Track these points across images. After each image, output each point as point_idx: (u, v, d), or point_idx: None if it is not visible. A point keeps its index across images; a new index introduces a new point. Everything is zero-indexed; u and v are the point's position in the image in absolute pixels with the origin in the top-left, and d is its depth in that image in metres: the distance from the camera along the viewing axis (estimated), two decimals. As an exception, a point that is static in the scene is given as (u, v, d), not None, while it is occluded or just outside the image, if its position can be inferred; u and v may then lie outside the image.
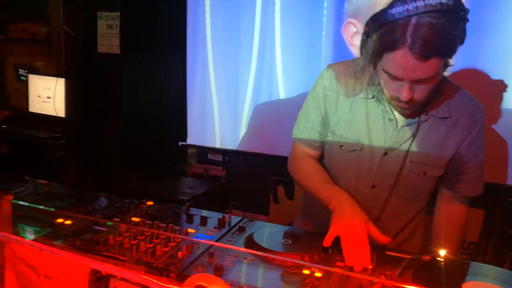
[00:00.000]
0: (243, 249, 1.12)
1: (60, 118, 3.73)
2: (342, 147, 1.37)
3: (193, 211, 1.38)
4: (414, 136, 1.30)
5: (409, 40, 1.06)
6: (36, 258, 0.75)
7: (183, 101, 3.33)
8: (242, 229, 1.27)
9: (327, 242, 1.16)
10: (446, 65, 1.16)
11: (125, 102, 3.36)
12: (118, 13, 3.39)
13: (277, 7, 2.89)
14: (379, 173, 1.35)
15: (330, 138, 1.40)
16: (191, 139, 3.34)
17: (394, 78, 1.16)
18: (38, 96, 3.84)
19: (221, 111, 3.18)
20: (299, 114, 1.48)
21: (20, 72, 4.14)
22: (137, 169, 3.34)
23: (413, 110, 1.27)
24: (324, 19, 2.78)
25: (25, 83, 3.93)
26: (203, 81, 3.20)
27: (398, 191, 1.36)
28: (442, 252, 1.12)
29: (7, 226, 0.90)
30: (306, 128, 1.45)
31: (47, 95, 3.78)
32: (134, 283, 0.71)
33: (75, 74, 3.71)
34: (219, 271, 1.01)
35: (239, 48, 3.03)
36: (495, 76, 2.41)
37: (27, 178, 1.54)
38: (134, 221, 1.26)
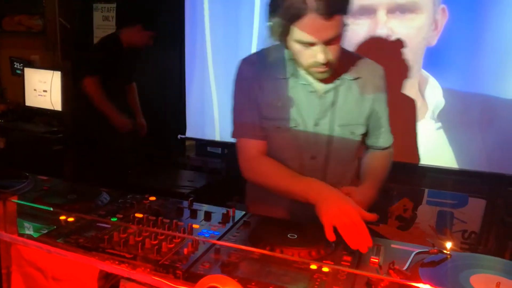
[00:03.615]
0: (249, 248, 1.11)
1: (57, 112, 3.70)
2: (279, 128, 1.43)
3: (196, 206, 1.37)
4: (335, 101, 1.42)
5: (313, 3, 1.16)
6: (44, 259, 0.73)
7: (182, 94, 3.30)
8: (246, 224, 1.26)
9: (331, 236, 1.16)
10: (345, 24, 1.26)
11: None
12: (114, 5, 3.35)
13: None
14: (316, 144, 1.43)
15: (265, 124, 1.45)
16: (191, 132, 3.32)
17: (308, 44, 1.25)
18: (34, 90, 3.80)
19: (220, 104, 3.16)
20: (232, 115, 1.49)
21: (15, 66, 4.09)
22: (136, 163, 3.32)
23: (330, 73, 1.35)
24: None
25: (21, 77, 3.89)
26: (202, 74, 3.17)
27: (335, 157, 1.46)
28: (448, 245, 1.11)
29: (13, 228, 0.89)
30: (245, 123, 1.45)
31: (43, 88, 3.74)
32: (143, 284, 0.70)
33: (71, 67, 3.67)
34: (225, 267, 1.00)
35: (238, 40, 3.00)
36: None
37: (27, 174, 1.52)
38: (137, 217, 1.25)
